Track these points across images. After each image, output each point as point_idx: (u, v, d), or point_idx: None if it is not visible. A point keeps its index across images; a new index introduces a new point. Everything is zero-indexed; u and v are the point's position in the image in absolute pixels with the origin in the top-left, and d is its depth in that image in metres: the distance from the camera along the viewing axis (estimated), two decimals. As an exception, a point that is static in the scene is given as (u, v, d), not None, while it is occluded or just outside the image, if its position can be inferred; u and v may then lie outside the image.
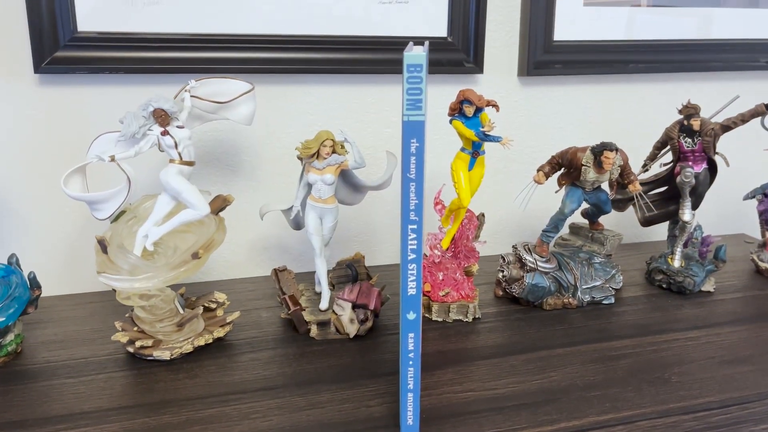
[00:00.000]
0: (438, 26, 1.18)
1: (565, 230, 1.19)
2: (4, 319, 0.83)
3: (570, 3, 1.24)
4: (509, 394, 0.80)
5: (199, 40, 1.07)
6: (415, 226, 0.65)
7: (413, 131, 0.62)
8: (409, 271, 0.66)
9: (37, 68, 1.02)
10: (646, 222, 1.18)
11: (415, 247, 0.66)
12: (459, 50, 1.19)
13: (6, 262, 0.89)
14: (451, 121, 0.93)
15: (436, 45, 1.17)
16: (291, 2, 1.10)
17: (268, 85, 1.13)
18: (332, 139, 0.90)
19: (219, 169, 1.16)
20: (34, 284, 0.89)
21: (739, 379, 0.84)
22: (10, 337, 0.86)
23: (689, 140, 1.06)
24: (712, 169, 1.10)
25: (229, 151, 1.16)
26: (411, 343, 0.69)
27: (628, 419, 0.75)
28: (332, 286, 1.00)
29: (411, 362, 0.69)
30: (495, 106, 0.94)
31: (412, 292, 0.67)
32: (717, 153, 1.07)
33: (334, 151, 0.91)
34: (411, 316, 0.68)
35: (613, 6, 1.27)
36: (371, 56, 1.15)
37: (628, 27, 1.29)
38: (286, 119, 1.17)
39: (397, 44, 1.16)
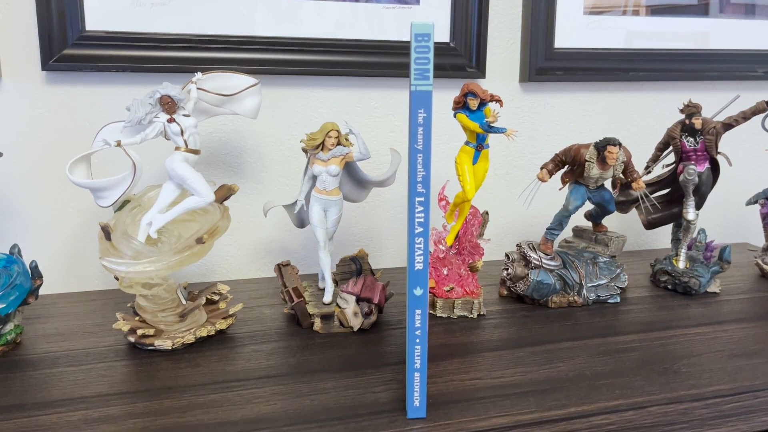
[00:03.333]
0: (441, 31, 1.20)
1: (569, 233, 1.19)
2: (5, 305, 0.82)
3: (570, 11, 1.26)
4: (516, 383, 0.78)
5: (204, 41, 1.09)
6: (422, 198, 0.65)
7: (421, 101, 0.62)
8: (416, 245, 0.66)
9: (45, 66, 1.03)
10: (650, 224, 1.18)
11: (422, 219, 0.65)
12: (461, 55, 1.21)
13: (8, 252, 0.89)
14: (455, 115, 0.94)
15: (438, 50, 1.19)
16: (296, 5, 1.12)
17: (273, 87, 1.14)
18: (337, 130, 0.91)
19: (223, 170, 1.16)
20: (36, 274, 0.88)
21: (749, 370, 0.82)
22: (10, 326, 0.85)
23: (691, 139, 1.07)
24: (715, 169, 1.10)
25: (233, 153, 1.16)
26: (418, 320, 0.68)
27: (638, 405, 0.74)
28: (336, 282, 0.99)
29: (418, 340, 0.68)
30: (498, 101, 0.95)
31: (419, 266, 0.67)
32: (719, 152, 1.08)
33: (338, 143, 0.91)
34: (418, 291, 0.67)
35: (613, 15, 1.29)
36: (375, 59, 1.17)
37: (628, 36, 1.31)
38: (289, 121, 1.17)
39: (401, 48, 1.18)
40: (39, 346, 0.87)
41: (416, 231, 0.66)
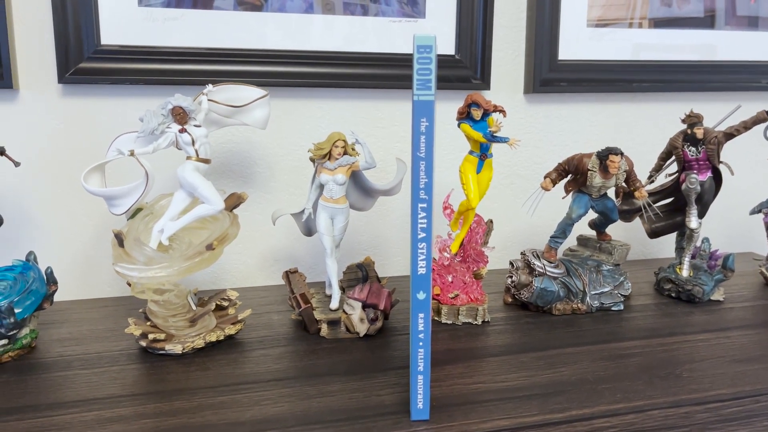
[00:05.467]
0: (446, 44, 1.22)
1: (573, 242, 1.20)
2: (21, 310, 0.85)
3: (574, 24, 1.28)
4: (519, 386, 0.80)
5: (215, 54, 1.12)
6: (425, 205, 0.67)
7: (423, 110, 0.64)
8: (419, 250, 0.68)
9: (61, 78, 1.06)
10: (654, 233, 1.19)
11: (425, 225, 0.67)
12: (466, 67, 1.23)
13: (24, 259, 0.92)
14: (459, 125, 0.96)
15: (444, 62, 1.22)
16: (304, 18, 1.15)
17: (282, 99, 1.17)
18: (344, 140, 0.93)
19: (233, 180, 1.19)
20: (51, 280, 0.91)
21: (751, 375, 0.83)
22: (25, 331, 0.88)
23: (693, 149, 1.08)
24: (717, 178, 1.11)
25: (243, 163, 1.19)
26: (421, 324, 0.70)
27: (639, 408, 0.75)
28: (343, 289, 1.01)
29: (421, 343, 0.70)
30: (502, 111, 0.97)
31: (422, 271, 0.68)
32: (721, 162, 1.09)
33: (345, 152, 0.93)
34: (421, 295, 0.69)
35: (616, 28, 1.31)
36: (381, 71, 1.19)
37: (631, 48, 1.32)
38: (298, 132, 1.20)
39: (407, 61, 1.20)
40: (54, 349, 0.90)
41: (419, 236, 0.68)
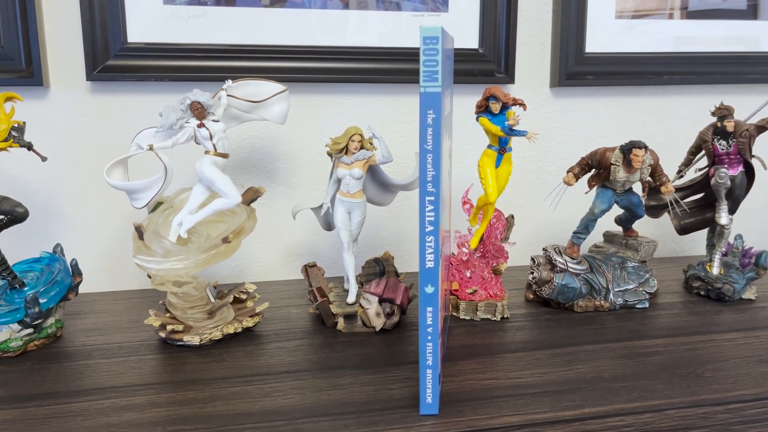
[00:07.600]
0: (469, 38, 1.21)
1: (599, 238, 1.18)
2: (46, 300, 0.87)
3: (601, 15, 1.25)
4: (532, 383, 0.79)
5: (239, 50, 1.13)
6: (432, 198, 0.66)
7: (430, 102, 0.64)
8: (427, 243, 0.67)
9: (89, 76, 1.09)
10: (683, 229, 1.16)
11: (432, 218, 0.67)
12: (490, 61, 1.22)
13: (51, 251, 0.94)
14: (477, 118, 0.95)
15: (467, 56, 1.20)
16: (326, 14, 1.15)
17: (305, 94, 1.18)
18: (360, 135, 0.93)
19: (256, 175, 1.20)
20: (76, 271, 0.93)
21: (777, 376, 0.80)
22: (51, 320, 0.90)
23: (723, 142, 1.05)
24: (750, 173, 1.08)
25: (266, 158, 1.20)
26: (429, 318, 0.69)
27: (656, 407, 0.73)
28: (360, 284, 1.01)
29: (429, 337, 0.70)
30: (522, 104, 0.95)
31: (429, 264, 0.68)
32: (753, 156, 1.05)
33: (362, 147, 0.93)
34: (429, 289, 0.69)
35: (646, 18, 1.28)
36: (404, 66, 1.19)
37: (661, 39, 1.29)
38: (320, 127, 1.21)
39: (429, 55, 1.19)
40: (77, 339, 0.92)
41: (427, 230, 0.67)
